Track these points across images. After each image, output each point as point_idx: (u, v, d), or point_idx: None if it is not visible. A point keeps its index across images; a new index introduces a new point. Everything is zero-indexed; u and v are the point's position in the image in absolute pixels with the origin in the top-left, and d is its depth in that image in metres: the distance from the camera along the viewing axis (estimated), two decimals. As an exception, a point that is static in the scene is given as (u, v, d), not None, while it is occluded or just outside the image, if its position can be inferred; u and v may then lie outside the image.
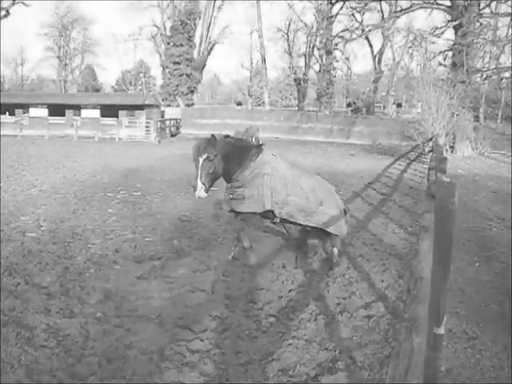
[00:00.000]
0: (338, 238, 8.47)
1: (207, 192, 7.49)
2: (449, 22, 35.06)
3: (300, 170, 8.60)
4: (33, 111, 45.71)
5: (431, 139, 28.04)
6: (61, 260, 8.41)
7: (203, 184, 7.39)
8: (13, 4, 69.03)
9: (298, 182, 7.98)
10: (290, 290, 7.26)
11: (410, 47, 56.01)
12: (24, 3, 70.23)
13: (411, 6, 38.41)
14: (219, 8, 67.43)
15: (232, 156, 7.75)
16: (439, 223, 2.92)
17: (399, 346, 1.76)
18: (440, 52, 37.98)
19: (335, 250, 8.45)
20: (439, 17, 76.64)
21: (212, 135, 7.71)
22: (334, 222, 8.13)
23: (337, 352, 5.43)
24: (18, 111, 45.73)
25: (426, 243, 2.80)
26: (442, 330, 3.06)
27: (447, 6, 34.63)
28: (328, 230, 8.10)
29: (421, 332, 1.84)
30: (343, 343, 5.65)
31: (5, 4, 68.66)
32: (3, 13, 69.22)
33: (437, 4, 36.12)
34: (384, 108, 68.26)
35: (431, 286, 2.82)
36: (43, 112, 45.37)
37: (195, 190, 7.41)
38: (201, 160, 7.42)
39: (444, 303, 2.92)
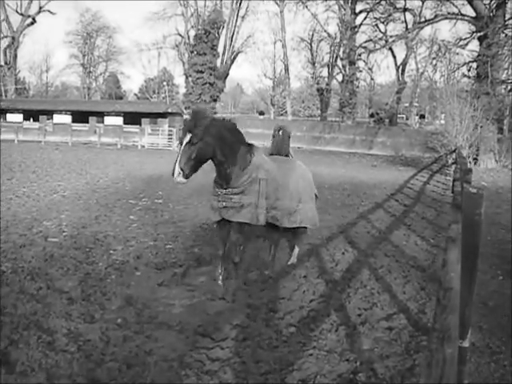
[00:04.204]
0: (304, 234, 8.74)
1: (187, 178, 6.63)
2: (473, 32, 34.90)
3: (283, 164, 8.07)
4: (57, 118, 46.27)
5: (454, 151, 27.86)
6: (82, 265, 8.44)
7: (181, 170, 6.53)
8: (39, 12, 69.99)
9: (286, 183, 7.70)
10: (311, 300, 7.21)
11: (433, 58, 55.84)
12: (50, 11, 71.14)
13: (435, 17, 38.34)
14: (243, 18, 67.74)
15: (224, 149, 6.90)
16: (466, 234, 2.87)
17: (431, 356, 1.72)
18: (464, 63, 37.81)
19: (296, 249, 8.72)
20: (464, 28, 76.38)
21: (198, 111, 7.02)
22: (310, 215, 8.15)
23: (357, 363, 5.37)
24: (42, 117, 46.29)
25: (454, 254, 2.76)
26: (466, 343, 3.01)
27: (472, 17, 34.47)
28: (303, 225, 8.15)
29: (452, 342, 1.80)
30: (364, 355, 5.58)
31: (31, 12, 69.62)
32: (29, 20, 70.22)
33: (461, 15, 35.97)
34: (407, 119, 68.06)
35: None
36: (67, 119, 45.90)
37: (173, 174, 6.58)
38: (183, 142, 6.63)
39: (470, 315, 2.87)
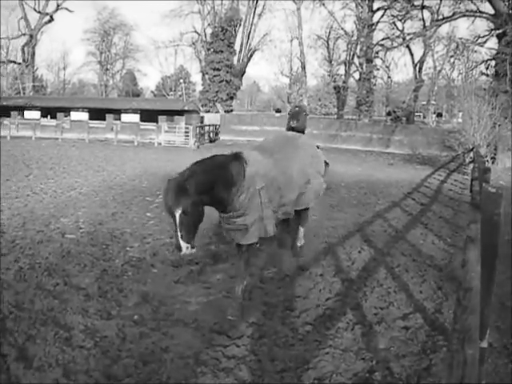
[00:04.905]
0: (307, 211, 8.59)
1: (194, 247, 6.00)
2: (492, 30, 34.68)
3: (282, 153, 7.43)
4: (74, 115, 46.49)
5: (472, 150, 27.65)
6: (99, 262, 8.49)
7: (188, 242, 5.89)
8: (56, 10, 70.36)
9: (289, 176, 7.21)
10: (328, 299, 7.19)
11: (451, 56, 55.52)
12: (68, 9, 71.52)
13: (453, 15, 38.14)
14: (259, 15, 67.73)
15: (214, 186, 6.24)
16: (485, 234, 2.84)
17: (452, 357, 1.71)
18: (482, 61, 37.62)
19: (301, 230, 8.67)
20: (482, 25, 75.62)
21: (180, 174, 6.09)
22: (316, 192, 8.13)
23: (373, 363, 5.35)
24: (59, 114, 46.56)
25: (474, 254, 2.74)
26: (484, 344, 2.98)
27: (490, 15, 34.22)
28: (311, 204, 8.18)
29: (473, 343, 1.79)
30: (380, 354, 5.57)
31: (49, 10, 70.00)
32: (47, 18, 70.62)
33: (480, 12, 35.74)
34: (424, 117, 67.63)
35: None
36: (84, 116, 46.10)
37: (179, 250, 5.95)
38: (177, 215, 5.86)
39: (488, 315, 2.85)
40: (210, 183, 6.17)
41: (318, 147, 8.55)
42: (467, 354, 1.75)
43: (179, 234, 5.86)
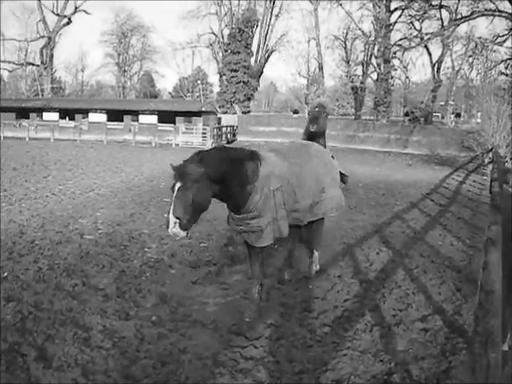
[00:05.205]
0: (321, 230, 8.15)
1: (186, 230, 5.69)
2: (511, 29, 34.34)
3: (297, 157, 7.20)
4: (92, 116, 46.77)
5: (491, 150, 27.45)
6: (117, 263, 8.52)
7: (178, 218, 5.60)
8: (74, 12, 70.92)
9: (303, 180, 6.96)
10: (346, 300, 7.16)
11: (470, 56, 55.24)
12: (86, 11, 72.03)
13: (472, 14, 37.88)
14: (276, 16, 67.88)
15: (226, 177, 6.06)
16: (505, 235, 2.81)
17: (474, 360, 1.69)
18: (502, 60, 37.36)
19: (316, 254, 8.17)
20: (501, 24, 75.00)
21: (200, 151, 6.19)
22: (335, 202, 7.64)
23: (392, 365, 5.32)
24: (77, 116, 46.90)
25: (495, 256, 2.70)
26: (505, 347, 2.95)
27: (510, 13, 33.93)
28: (328, 215, 7.71)
29: (496, 347, 1.77)
30: (399, 356, 5.53)
31: (67, 12, 70.56)
32: (65, 21, 71.18)
33: (499, 11, 35.46)
34: (442, 118, 67.24)
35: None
36: (102, 117, 46.37)
37: (167, 226, 5.70)
38: (175, 189, 5.74)
39: (509, 318, 2.81)
40: (222, 173, 6.00)
41: (333, 157, 8.36)
42: (490, 357, 1.73)
43: (171, 207, 5.65)
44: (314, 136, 8.32)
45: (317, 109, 8.69)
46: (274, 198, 6.39)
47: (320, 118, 8.47)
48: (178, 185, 5.71)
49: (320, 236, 8.26)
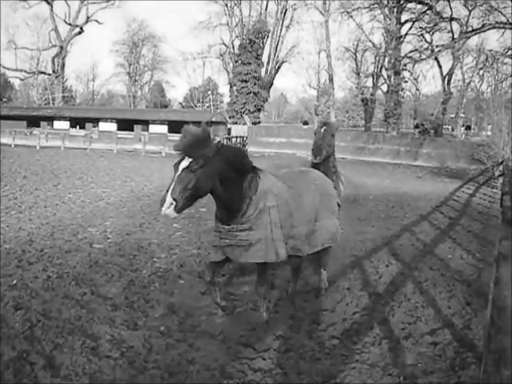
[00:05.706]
0: (329, 251, 7.64)
1: (179, 212, 5.38)
2: (522, 42, 34.32)
3: (295, 181, 6.87)
4: (102, 125, 47.10)
5: (502, 163, 27.34)
6: (126, 272, 8.52)
7: (174, 200, 5.30)
8: (86, 22, 71.54)
9: (301, 205, 6.62)
10: (355, 313, 7.13)
11: (480, 68, 55.23)
12: (97, 21, 72.65)
13: (483, 26, 37.87)
14: (287, 27, 68.08)
15: (228, 178, 5.79)
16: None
17: (487, 378, 1.68)
18: (512, 73, 37.16)
19: (324, 273, 7.87)
20: (512, 37, 75.11)
21: (200, 133, 5.74)
22: (330, 233, 7.20)
23: (401, 378, 5.28)
24: (88, 125, 47.25)
25: (507, 271, 2.67)
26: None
27: (521, 27, 33.88)
28: (326, 246, 7.23)
29: (509, 364, 1.74)
30: (407, 369, 5.49)
31: (79, 22, 71.17)
32: (77, 30, 71.78)
33: (510, 24, 35.41)
34: (452, 130, 67.23)
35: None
36: (112, 126, 46.66)
37: (161, 205, 5.35)
38: (180, 168, 5.46)
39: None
40: (229, 171, 5.77)
41: (338, 174, 8.11)
42: (503, 374, 1.71)
43: (172, 187, 5.37)
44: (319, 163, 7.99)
45: (323, 129, 8.19)
46: (270, 216, 6.03)
47: (324, 141, 8.05)
48: (184, 164, 5.44)
49: (327, 258, 7.95)
